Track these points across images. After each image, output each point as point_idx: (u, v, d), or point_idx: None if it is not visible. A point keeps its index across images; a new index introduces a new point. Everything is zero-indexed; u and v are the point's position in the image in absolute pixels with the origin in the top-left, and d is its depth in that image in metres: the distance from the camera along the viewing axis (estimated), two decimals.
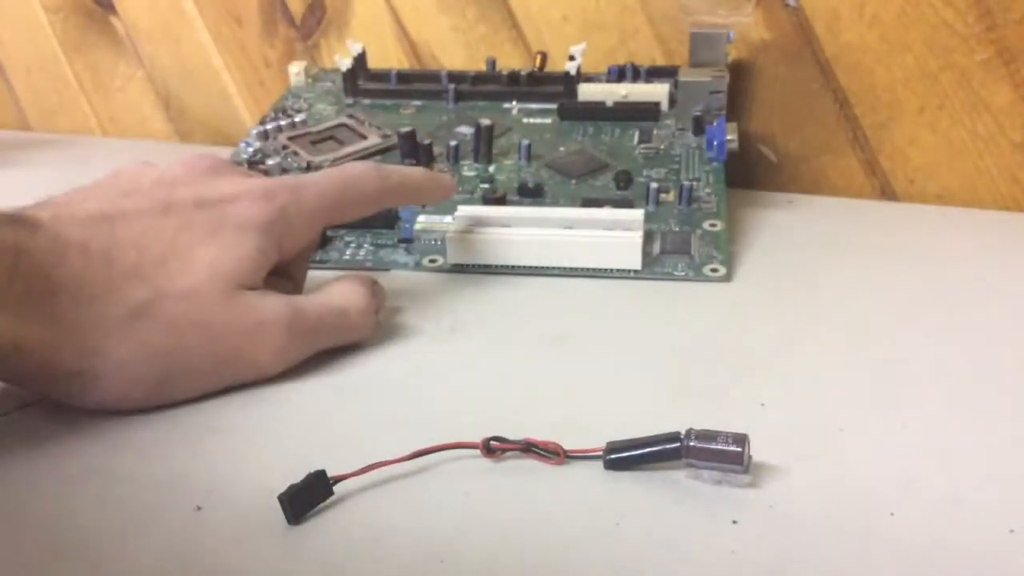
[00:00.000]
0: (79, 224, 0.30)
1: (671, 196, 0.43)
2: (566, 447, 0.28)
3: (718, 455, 0.27)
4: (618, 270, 0.39)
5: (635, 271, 0.39)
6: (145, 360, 0.30)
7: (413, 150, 0.45)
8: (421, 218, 0.42)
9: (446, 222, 0.41)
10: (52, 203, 0.31)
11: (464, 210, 0.41)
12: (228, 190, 0.32)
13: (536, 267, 0.40)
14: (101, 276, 0.29)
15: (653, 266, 0.39)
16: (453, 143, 0.47)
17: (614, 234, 0.39)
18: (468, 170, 0.46)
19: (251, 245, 0.32)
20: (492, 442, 0.28)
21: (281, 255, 0.33)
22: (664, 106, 0.49)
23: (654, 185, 0.42)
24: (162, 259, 0.30)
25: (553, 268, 0.40)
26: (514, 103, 0.51)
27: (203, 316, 0.30)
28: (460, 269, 0.40)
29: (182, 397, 0.31)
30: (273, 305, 0.32)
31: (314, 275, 0.37)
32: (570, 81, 0.50)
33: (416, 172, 0.38)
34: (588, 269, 0.39)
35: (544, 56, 0.52)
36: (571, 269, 0.39)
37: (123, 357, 0.29)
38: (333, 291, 0.34)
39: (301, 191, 0.33)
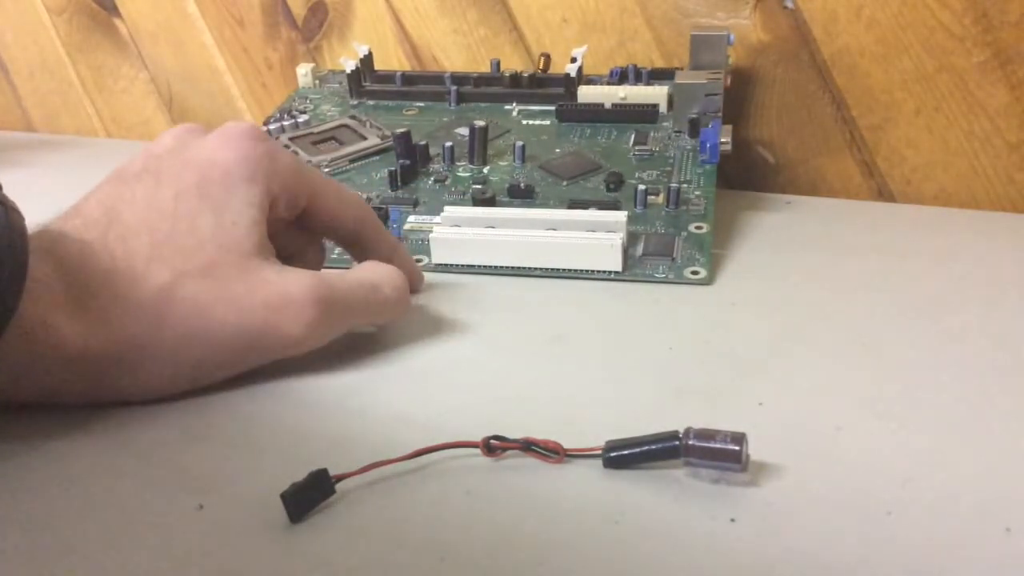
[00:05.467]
0: (91, 225, 0.31)
1: (660, 198, 0.43)
2: (566, 446, 0.28)
3: (717, 454, 0.27)
4: (599, 272, 0.39)
5: (615, 273, 0.39)
6: (185, 340, 0.30)
7: (408, 151, 0.46)
8: (411, 218, 0.43)
9: (433, 222, 0.41)
10: (64, 213, 0.32)
11: (450, 210, 0.41)
12: (209, 138, 0.33)
13: (518, 268, 0.40)
14: (126, 266, 0.30)
15: (634, 268, 0.40)
16: (448, 144, 0.47)
17: (595, 236, 0.39)
18: (463, 171, 0.46)
19: (239, 200, 0.32)
20: (492, 441, 0.28)
21: (274, 201, 0.33)
22: (663, 108, 0.49)
23: (642, 187, 0.43)
24: (171, 237, 0.31)
25: (535, 269, 0.40)
26: (514, 105, 0.52)
27: (225, 290, 0.31)
28: (444, 269, 0.40)
29: (220, 377, 0.32)
30: (297, 277, 0.32)
31: None
32: (571, 83, 0.50)
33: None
34: (570, 270, 0.40)
35: (548, 57, 0.53)
36: (553, 270, 0.40)
37: (162, 341, 0.30)
38: (364, 267, 0.34)
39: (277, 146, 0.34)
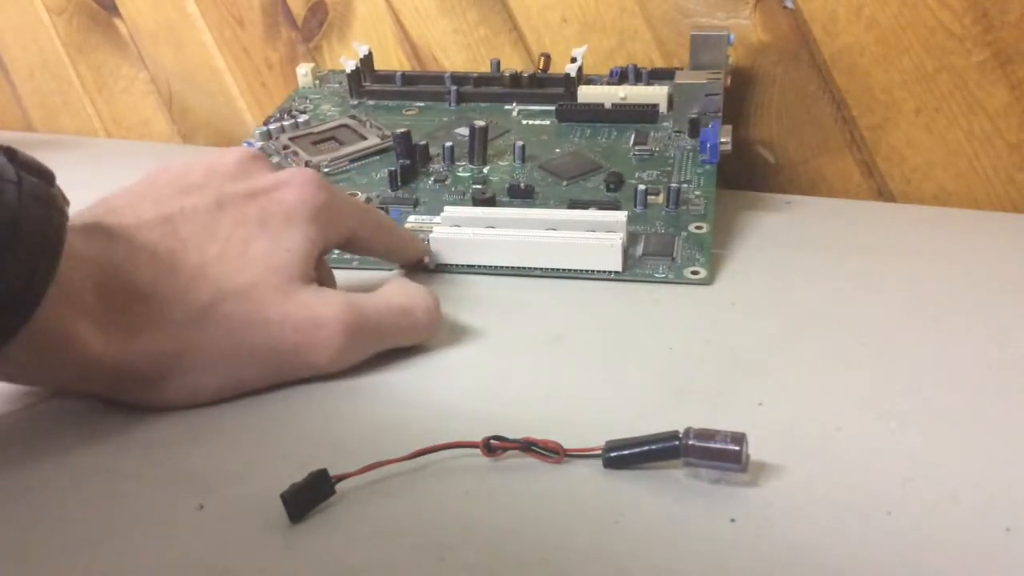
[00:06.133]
0: (146, 229, 0.31)
1: (660, 198, 0.43)
2: (566, 446, 0.28)
3: (717, 454, 0.27)
4: (599, 272, 0.39)
5: (615, 273, 0.39)
6: (211, 360, 0.30)
7: (408, 151, 0.46)
8: (411, 218, 0.43)
9: (433, 222, 0.41)
10: (116, 207, 0.32)
11: (450, 210, 0.41)
12: (276, 178, 0.33)
13: (518, 268, 0.40)
14: (169, 282, 0.30)
15: (634, 268, 0.40)
16: (448, 144, 0.47)
17: (595, 236, 0.39)
18: (463, 171, 0.46)
19: (299, 234, 0.32)
20: (492, 441, 0.28)
21: (327, 243, 0.34)
22: (663, 108, 0.49)
23: (642, 187, 0.43)
24: (221, 257, 0.31)
25: (535, 269, 0.40)
26: (514, 105, 0.52)
27: (260, 313, 0.31)
28: (444, 269, 0.41)
29: (242, 392, 0.32)
30: (329, 302, 0.32)
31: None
32: (570, 83, 0.50)
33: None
34: (570, 270, 0.40)
35: (547, 57, 0.53)
36: (553, 270, 0.40)
37: (193, 359, 0.30)
38: (392, 290, 0.35)
39: (335, 187, 0.35)
